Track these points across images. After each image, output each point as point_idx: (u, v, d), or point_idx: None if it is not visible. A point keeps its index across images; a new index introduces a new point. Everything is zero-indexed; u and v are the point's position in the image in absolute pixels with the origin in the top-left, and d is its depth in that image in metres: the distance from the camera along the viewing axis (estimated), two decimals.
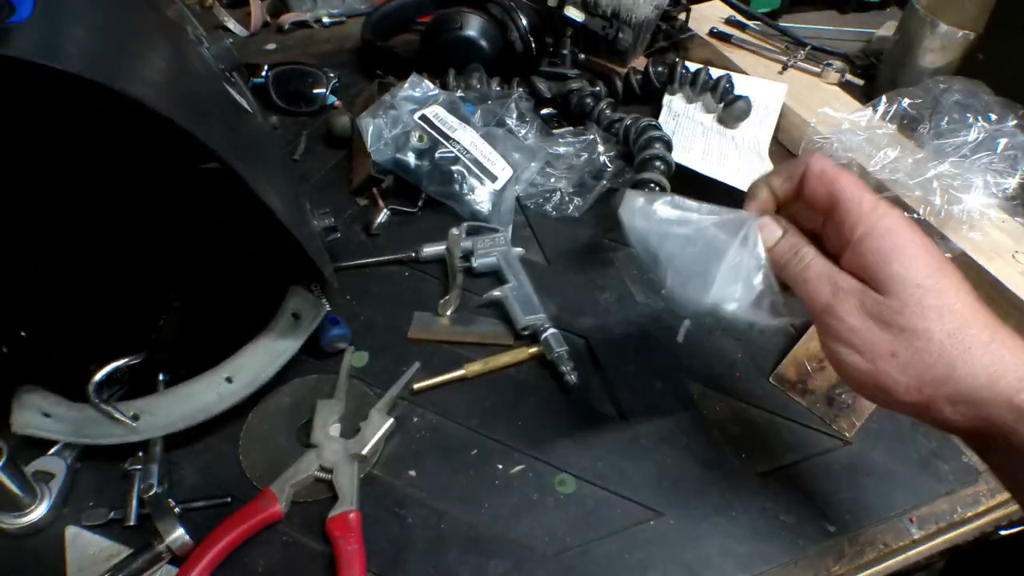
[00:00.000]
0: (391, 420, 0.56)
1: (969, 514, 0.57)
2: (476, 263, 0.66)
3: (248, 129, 0.48)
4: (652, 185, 0.63)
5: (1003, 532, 1.09)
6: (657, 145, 0.66)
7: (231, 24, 0.92)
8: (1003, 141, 0.67)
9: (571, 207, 0.73)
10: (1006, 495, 0.58)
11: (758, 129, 0.82)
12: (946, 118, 0.72)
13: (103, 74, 0.35)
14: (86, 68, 0.34)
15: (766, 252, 0.43)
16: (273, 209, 0.43)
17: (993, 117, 0.70)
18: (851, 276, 0.40)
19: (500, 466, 0.55)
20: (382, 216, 0.70)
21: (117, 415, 0.50)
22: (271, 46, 0.93)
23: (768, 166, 0.76)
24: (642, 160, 0.65)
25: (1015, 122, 0.69)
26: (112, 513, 0.50)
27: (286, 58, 0.88)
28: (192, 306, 0.57)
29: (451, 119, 0.71)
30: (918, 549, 0.54)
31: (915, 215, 0.69)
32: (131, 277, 0.54)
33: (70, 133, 0.43)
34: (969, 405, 0.37)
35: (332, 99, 0.83)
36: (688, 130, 0.76)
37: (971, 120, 0.70)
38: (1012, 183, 0.67)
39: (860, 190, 0.40)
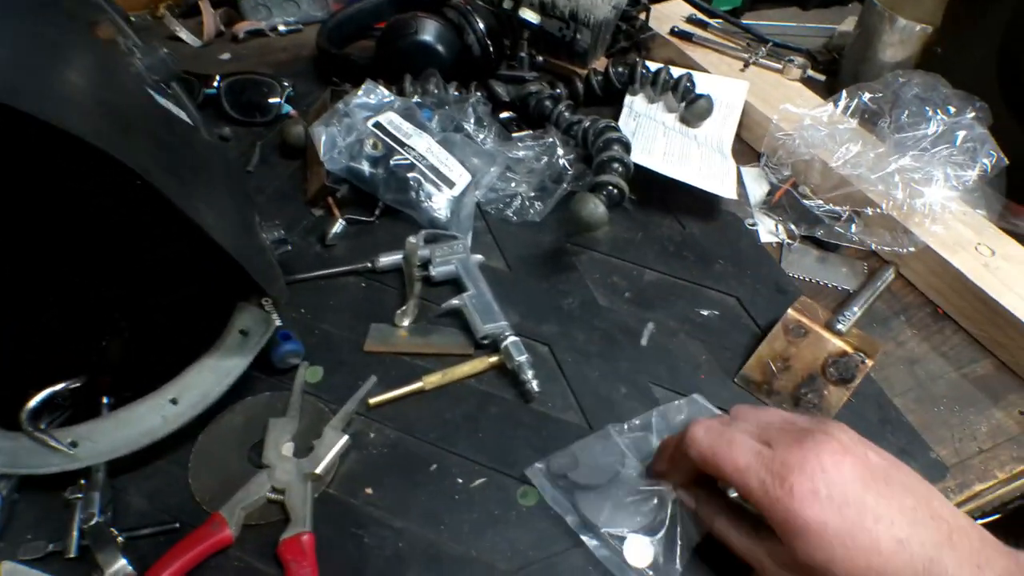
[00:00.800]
0: (346, 437, 0.54)
1: None
2: (434, 272, 0.64)
3: (183, 144, 0.46)
4: (611, 187, 0.62)
5: (979, 521, 1.09)
6: (615, 147, 0.65)
7: (183, 34, 0.89)
8: (962, 134, 0.67)
9: (532, 212, 0.71)
10: (976, 489, 0.57)
11: (721, 127, 0.81)
12: (906, 112, 0.71)
13: (5, 93, 0.33)
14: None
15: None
16: (206, 227, 0.41)
17: (952, 110, 0.70)
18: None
19: (460, 480, 0.54)
20: (337, 226, 0.68)
21: (53, 443, 0.48)
22: (226, 56, 0.91)
23: (731, 164, 0.76)
24: (600, 162, 0.64)
25: (973, 114, 0.68)
26: (51, 546, 0.48)
27: (241, 68, 0.86)
28: (136, 326, 0.55)
29: (406, 125, 0.69)
30: None
31: (878, 209, 0.69)
32: (68, 300, 0.52)
33: None
34: None
35: (287, 108, 0.81)
36: (649, 131, 0.75)
37: (930, 113, 0.70)
38: (972, 175, 0.67)
39: (739, 472, 0.42)
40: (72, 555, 0.48)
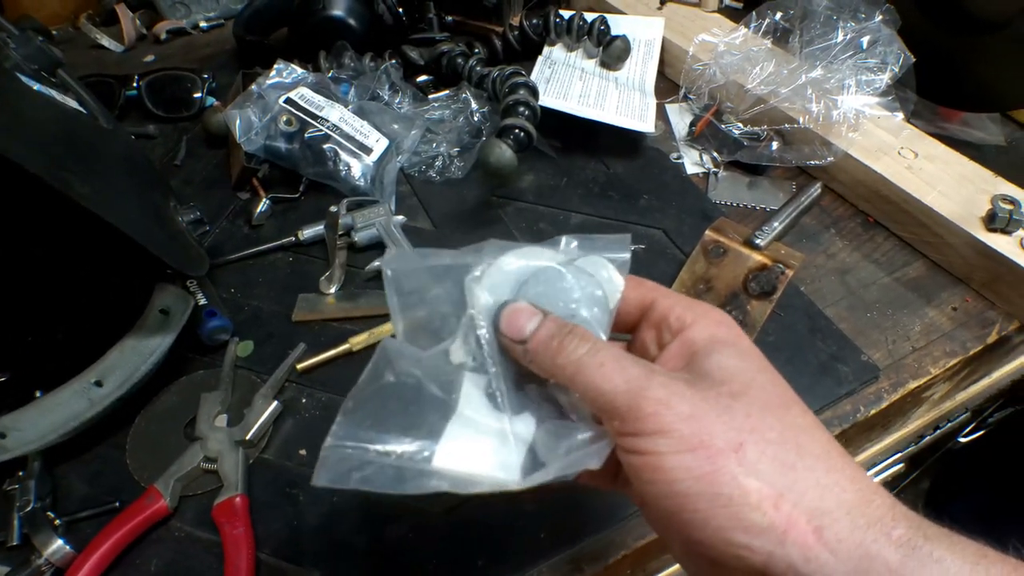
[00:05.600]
0: (275, 403, 0.55)
1: (873, 412, 0.57)
2: (357, 237, 0.65)
3: (61, 126, 0.47)
4: (517, 130, 0.62)
5: (962, 439, 1.09)
6: (521, 91, 0.65)
7: (105, 41, 0.90)
8: (867, 38, 0.66)
9: (454, 169, 0.72)
10: (910, 386, 0.58)
11: (642, 67, 0.81)
12: (816, 24, 0.71)
13: None
14: None
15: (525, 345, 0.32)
16: (84, 201, 0.42)
17: (863, 16, 0.70)
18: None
19: None
20: (262, 206, 0.69)
21: None
22: (150, 58, 0.92)
23: (651, 101, 0.76)
24: (505, 106, 0.64)
25: (881, 17, 0.68)
26: None
27: (166, 67, 0.86)
28: (60, 316, 0.56)
29: (318, 98, 0.70)
30: None
31: (797, 124, 0.69)
32: None
33: None
34: (840, 530, 0.25)
35: (211, 100, 0.82)
36: (565, 77, 0.75)
37: (839, 22, 0.69)
38: (883, 78, 0.66)
39: (673, 291, 0.35)
40: (15, 543, 0.49)
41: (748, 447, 0.26)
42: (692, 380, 0.29)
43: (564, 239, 0.36)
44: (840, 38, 0.68)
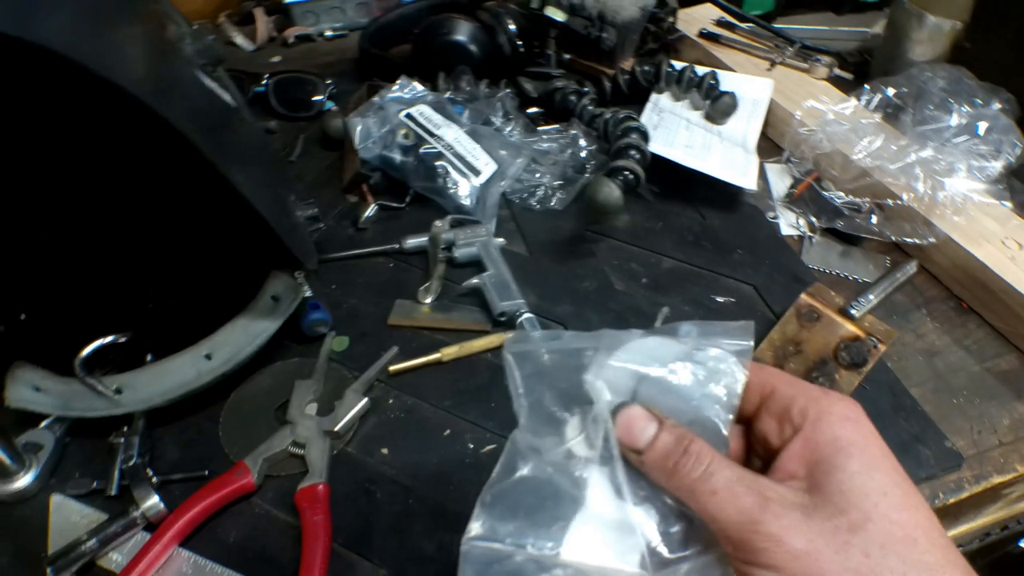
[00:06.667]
0: (365, 400, 0.57)
1: (951, 501, 0.56)
2: (457, 253, 0.67)
3: (222, 117, 0.51)
4: (626, 172, 0.64)
5: (1023, 544, 1.05)
6: (633, 135, 0.67)
7: (239, 39, 0.96)
8: (984, 124, 0.67)
9: (554, 200, 0.74)
10: (994, 481, 0.57)
11: (746, 124, 0.83)
12: (930, 105, 0.71)
13: (76, 50, 0.37)
14: (61, 43, 0.37)
15: (639, 455, 0.32)
16: (238, 186, 0.46)
17: (979, 102, 0.70)
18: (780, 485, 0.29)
19: (471, 446, 0.56)
20: (370, 211, 0.72)
21: (100, 388, 0.52)
22: (276, 58, 0.98)
23: (753, 158, 0.77)
24: (617, 148, 0.66)
25: (999, 106, 0.68)
26: (95, 483, 0.53)
27: (289, 68, 0.92)
28: (180, 289, 0.60)
29: (436, 117, 0.73)
30: None
31: (899, 201, 0.69)
32: (120, 262, 0.57)
33: (50, 112, 0.46)
34: None
35: (329, 104, 0.86)
36: (672, 125, 0.77)
37: (954, 106, 0.70)
38: (996, 166, 0.66)
39: (797, 378, 0.33)
40: (113, 493, 0.52)
41: None
42: (810, 508, 0.28)
43: (683, 327, 0.35)
44: (955, 122, 0.68)
